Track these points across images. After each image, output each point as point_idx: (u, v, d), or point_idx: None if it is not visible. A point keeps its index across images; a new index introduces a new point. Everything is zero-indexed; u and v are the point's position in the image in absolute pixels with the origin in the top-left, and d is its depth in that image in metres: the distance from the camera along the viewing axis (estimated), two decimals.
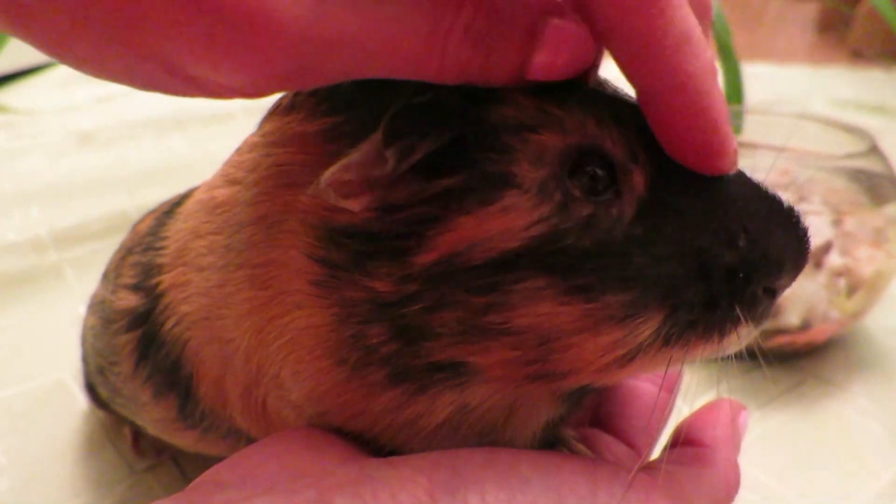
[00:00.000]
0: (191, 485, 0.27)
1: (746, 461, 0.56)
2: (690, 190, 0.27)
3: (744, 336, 0.28)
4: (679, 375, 0.37)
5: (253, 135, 0.32)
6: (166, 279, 0.35)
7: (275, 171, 0.30)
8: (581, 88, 0.27)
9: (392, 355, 0.28)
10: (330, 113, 0.28)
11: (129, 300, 0.38)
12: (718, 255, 0.26)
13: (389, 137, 0.24)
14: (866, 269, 0.64)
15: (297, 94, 0.30)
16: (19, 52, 1.32)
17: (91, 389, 0.51)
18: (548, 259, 0.25)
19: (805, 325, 0.64)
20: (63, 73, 1.38)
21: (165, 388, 0.36)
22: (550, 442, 0.33)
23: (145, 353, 0.36)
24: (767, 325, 0.62)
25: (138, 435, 0.53)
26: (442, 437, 0.30)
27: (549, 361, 0.27)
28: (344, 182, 0.26)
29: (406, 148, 0.25)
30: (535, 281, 0.25)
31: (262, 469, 0.27)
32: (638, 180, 0.27)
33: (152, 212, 0.43)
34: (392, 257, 0.27)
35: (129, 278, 0.38)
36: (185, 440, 0.40)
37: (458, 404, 0.29)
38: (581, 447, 0.34)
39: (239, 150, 0.33)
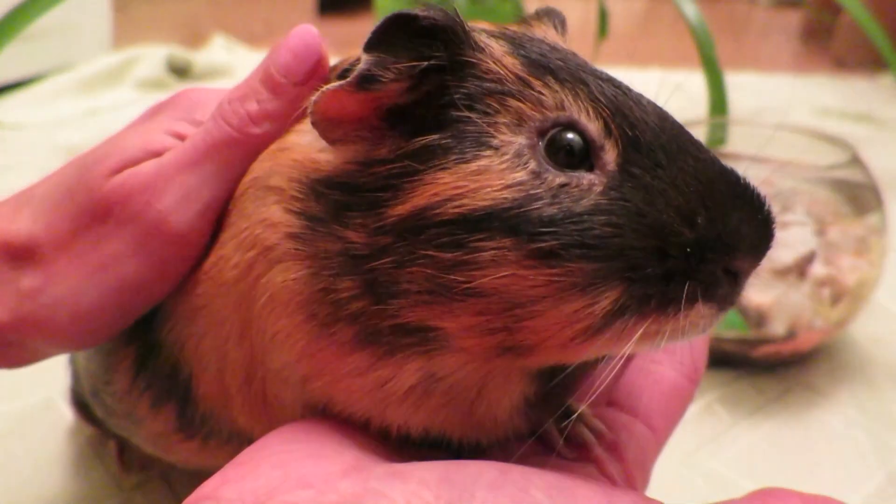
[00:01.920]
0: (186, 500, 0.26)
1: (732, 469, 0.56)
2: (658, 167, 0.28)
3: (705, 317, 0.28)
4: (703, 362, 0.37)
5: None
6: None
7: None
8: (562, 61, 0.29)
9: (360, 313, 0.28)
10: None
11: None
12: (677, 232, 0.27)
13: (367, 47, 0.27)
14: (850, 278, 0.65)
15: None
16: (3, 67, 1.32)
17: (80, 405, 0.51)
18: (515, 221, 0.26)
19: (790, 334, 0.64)
20: (49, 87, 1.37)
21: (164, 397, 0.36)
22: (564, 415, 0.34)
23: (143, 363, 0.37)
24: (754, 335, 0.64)
25: (123, 449, 0.53)
26: (413, 405, 0.30)
27: (514, 331, 0.27)
28: (334, 123, 0.29)
29: (378, 62, 0.27)
30: (501, 241, 0.26)
31: (264, 481, 0.26)
32: (610, 155, 0.28)
33: None
34: (368, 208, 0.28)
35: None
36: (184, 453, 0.40)
37: (425, 372, 0.29)
38: (598, 423, 0.34)
39: None
